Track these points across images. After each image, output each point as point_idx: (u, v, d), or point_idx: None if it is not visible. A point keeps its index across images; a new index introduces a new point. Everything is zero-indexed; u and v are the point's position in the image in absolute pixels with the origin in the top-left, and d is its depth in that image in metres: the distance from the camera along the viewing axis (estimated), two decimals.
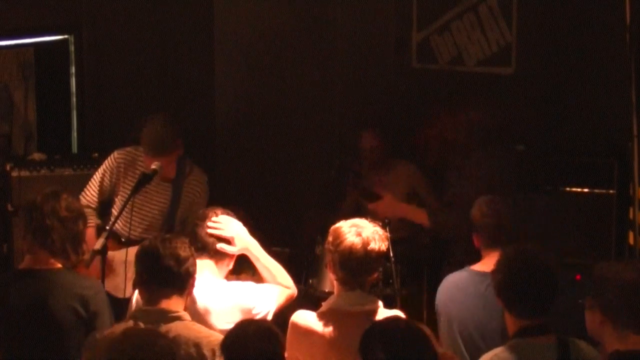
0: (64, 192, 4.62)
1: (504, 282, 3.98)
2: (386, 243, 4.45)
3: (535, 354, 3.87)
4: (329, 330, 4.32)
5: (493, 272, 4.07)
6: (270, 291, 4.72)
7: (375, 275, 4.45)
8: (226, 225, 4.72)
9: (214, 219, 4.72)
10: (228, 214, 4.83)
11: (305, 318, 4.39)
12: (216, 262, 4.71)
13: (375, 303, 4.39)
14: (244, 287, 4.69)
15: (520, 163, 6.39)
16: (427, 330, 3.85)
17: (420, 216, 5.95)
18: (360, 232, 4.38)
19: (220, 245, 4.70)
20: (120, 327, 4.11)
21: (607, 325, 3.72)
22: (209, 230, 4.67)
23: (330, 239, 4.43)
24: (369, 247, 4.34)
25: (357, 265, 4.34)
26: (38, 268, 4.51)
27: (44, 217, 4.50)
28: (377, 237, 4.39)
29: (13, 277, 4.66)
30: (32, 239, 4.53)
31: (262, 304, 4.63)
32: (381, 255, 4.41)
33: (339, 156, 6.84)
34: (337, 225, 4.46)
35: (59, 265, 4.53)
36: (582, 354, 3.90)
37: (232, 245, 4.72)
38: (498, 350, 3.92)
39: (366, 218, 4.63)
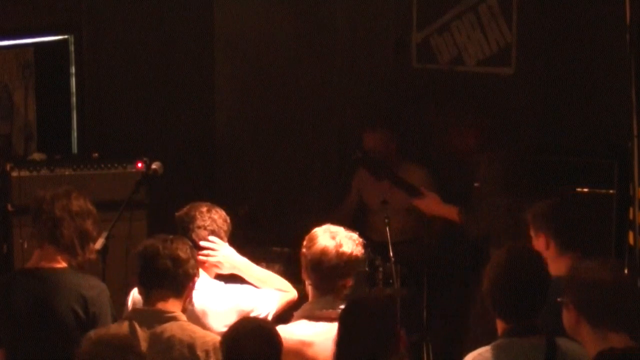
0: (75, 191, 4.65)
1: (491, 284, 3.97)
2: (361, 249, 4.41)
3: (521, 354, 3.86)
4: (304, 337, 4.29)
5: (483, 275, 4.06)
6: (270, 293, 4.71)
7: (349, 281, 4.40)
8: (213, 251, 4.70)
9: (202, 243, 4.69)
10: (215, 211, 4.79)
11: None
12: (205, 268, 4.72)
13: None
14: (243, 289, 4.68)
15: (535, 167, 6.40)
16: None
17: (453, 214, 6.00)
18: (333, 235, 4.37)
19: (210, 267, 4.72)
20: (113, 329, 4.12)
21: (583, 324, 3.73)
22: (199, 257, 4.66)
23: (304, 242, 4.42)
24: (340, 250, 4.33)
25: (329, 269, 4.33)
26: (43, 267, 4.53)
27: (54, 209, 4.53)
28: (350, 242, 4.38)
29: (17, 277, 4.69)
30: (40, 230, 4.54)
31: (261, 306, 4.62)
32: (354, 260, 4.38)
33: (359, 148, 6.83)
34: (311, 232, 4.45)
35: (65, 265, 4.55)
36: (570, 355, 3.89)
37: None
38: (482, 350, 3.91)
39: (367, 217, 4.65)
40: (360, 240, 4.46)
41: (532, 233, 4.80)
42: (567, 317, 3.78)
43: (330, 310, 4.30)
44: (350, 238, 4.40)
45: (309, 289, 4.43)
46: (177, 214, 4.86)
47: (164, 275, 4.16)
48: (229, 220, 4.84)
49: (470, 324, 5.89)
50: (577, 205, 4.95)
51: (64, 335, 4.44)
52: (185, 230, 4.70)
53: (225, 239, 4.80)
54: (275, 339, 3.80)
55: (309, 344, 4.24)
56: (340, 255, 4.33)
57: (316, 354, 4.23)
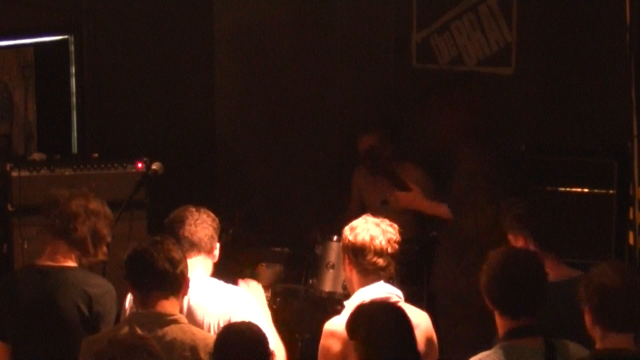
0: (92, 193, 4.67)
1: (491, 281, 3.98)
2: (399, 236, 4.54)
3: (522, 357, 3.87)
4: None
5: (480, 273, 4.06)
6: (268, 326, 4.64)
7: (394, 266, 4.51)
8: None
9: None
10: (199, 216, 4.70)
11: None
12: (208, 254, 4.65)
13: (399, 293, 4.48)
14: (242, 297, 4.60)
15: (520, 163, 6.39)
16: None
17: (442, 211, 6.06)
18: (377, 224, 4.51)
19: None
20: (113, 332, 4.10)
21: (597, 327, 3.75)
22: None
23: (347, 233, 4.52)
24: (388, 236, 4.47)
25: (379, 255, 4.44)
26: (50, 265, 4.53)
27: (70, 205, 4.54)
28: (393, 229, 4.53)
29: (24, 272, 4.70)
30: (53, 225, 4.55)
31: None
32: (399, 245, 4.50)
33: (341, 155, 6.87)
34: (350, 224, 4.55)
35: (73, 264, 4.56)
36: (570, 356, 3.90)
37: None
38: (483, 355, 3.92)
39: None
40: (397, 227, 4.57)
41: (510, 237, 4.80)
42: (586, 321, 3.80)
43: (387, 295, 4.38)
44: (392, 225, 4.54)
45: (355, 277, 4.49)
46: (165, 220, 4.80)
47: (163, 278, 4.14)
48: (217, 222, 4.74)
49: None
50: (550, 206, 4.97)
51: (66, 331, 4.45)
52: (179, 231, 4.64)
53: (215, 239, 4.71)
54: (265, 339, 3.76)
55: None
56: (388, 240, 4.46)
57: None
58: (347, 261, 4.52)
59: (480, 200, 5.82)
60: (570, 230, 6.30)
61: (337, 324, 4.39)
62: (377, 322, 3.76)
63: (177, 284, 4.17)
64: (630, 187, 5.74)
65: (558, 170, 6.43)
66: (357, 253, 4.45)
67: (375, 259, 4.44)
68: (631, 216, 5.71)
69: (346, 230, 4.55)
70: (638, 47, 5.67)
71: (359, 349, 3.78)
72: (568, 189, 6.39)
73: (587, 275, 3.82)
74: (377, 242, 4.44)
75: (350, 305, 4.43)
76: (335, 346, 4.34)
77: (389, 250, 4.47)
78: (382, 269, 4.47)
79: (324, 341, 4.38)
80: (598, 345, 3.75)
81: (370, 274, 4.46)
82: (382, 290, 4.41)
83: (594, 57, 6.65)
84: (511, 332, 3.92)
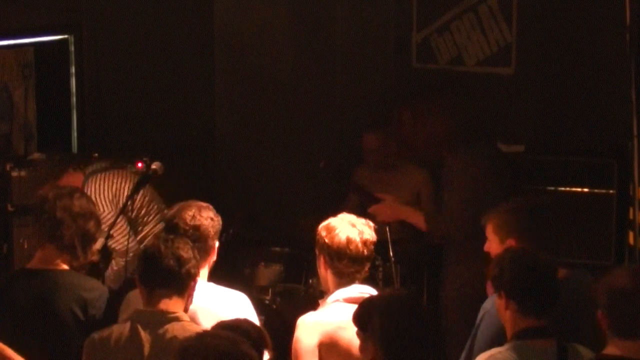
0: (77, 191, 4.64)
1: (514, 278, 3.95)
2: (375, 235, 4.51)
3: (533, 356, 3.87)
4: (340, 322, 4.30)
5: (494, 272, 4.03)
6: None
7: (368, 266, 4.49)
8: None
9: None
10: (200, 213, 4.63)
11: (317, 318, 4.39)
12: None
13: (374, 293, 4.42)
14: (243, 309, 4.57)
15: (515, 163, 6.38)
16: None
17: (418, 219, 5.86)
18: (353, 224, 4.46)
19: None
20: (115, 330, 4.09)
21: (610, 331, 3.74)
22: None
23: (322, 233, 4.47)
24: (364, 237, 4.43)
25: (356, 257, 4.41)
26: (44, 268, 4.52)
27: (55, 210, 4.51)
28: (368, 228, 4.49)
29: (18, 276, 4.68)
30: (41, 231, 4.53)
31: None
32: (374, 245, 4.47)
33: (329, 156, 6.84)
34: (326, 222, 4.51)
35: (66, 267, 4.54)
36: (582, 359, 3.90)
37: None
38: (495, 351, 3.91)
39: (365, 216, 4.67)
40: (373, 224, 4.55)
41: (496, 238, 4.57)
42: (601, 324, 3.79)
43: (361, 294, 4.34)
44: (367, 224, 4.50)
45: (330, 278, 4.47)
46: (164, 217, 4.75)
47: (167, 275, 4.11)
48: (217, 219, 4.64)
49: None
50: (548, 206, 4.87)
51: (62, 335, 4.43)
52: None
53: (215, 239, 4.66)
54: (262, 336, 3.73)
55: (344, 328, 4.24)
56: (364, 242, 4.42)
57: (352, 338, 4.21)
58: (322, 260, 4.48)
59: (463, 209, 5.66)
60: (570, 230, 6.30)
61: (308, 320, 4.39)
62: (394, 317, 3.72)
63: (182, 283, 4.13)
64: (630, 187, 5.74)
65: (558, 170, 6.43)
66: (333, 256, 4.42)
67: (351, 264, 4.42)
68: (631, 216, 5.71)
69: (322, 230, 4.48)
70: (638, 47, 5.67)
71: (371, 344, 3.75)
72: (568, 189, 6.39)
73: (603, 278, 3.81)
74: (353, 247, 4.39)
75: (326, 304, 4.43)
76: (306, 338, 4.34)
77: (365, 253, 4.43)
78: (358, 271, 4.45)
79: (296, 332, 4.37)
80: (605, 350, 3.74)
81: (345, 277, 4.44)
82: (357, 291, 4.39)
83: (594, 57, 6.65)
84: (525, 331, 3.91)
